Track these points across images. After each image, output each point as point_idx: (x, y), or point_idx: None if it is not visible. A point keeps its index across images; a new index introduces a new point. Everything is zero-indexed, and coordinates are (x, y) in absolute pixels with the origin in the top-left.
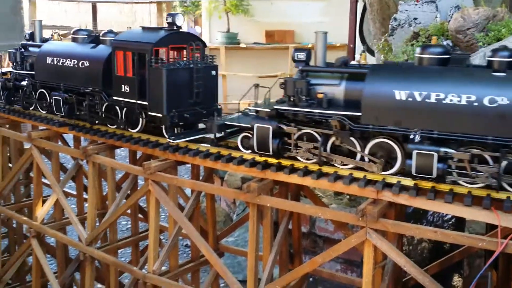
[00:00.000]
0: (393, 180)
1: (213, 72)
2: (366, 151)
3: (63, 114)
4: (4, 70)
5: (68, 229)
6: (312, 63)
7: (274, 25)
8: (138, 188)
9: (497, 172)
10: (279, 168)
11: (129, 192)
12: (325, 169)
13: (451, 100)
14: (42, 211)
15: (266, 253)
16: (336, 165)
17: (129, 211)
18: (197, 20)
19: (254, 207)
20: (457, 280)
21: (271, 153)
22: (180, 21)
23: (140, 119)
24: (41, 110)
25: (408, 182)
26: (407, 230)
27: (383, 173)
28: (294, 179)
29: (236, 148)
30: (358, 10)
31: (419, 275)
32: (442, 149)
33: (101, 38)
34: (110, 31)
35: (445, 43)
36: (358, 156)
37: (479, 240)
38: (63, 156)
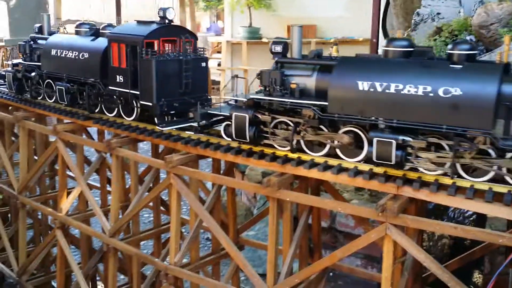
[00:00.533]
0: (414, 175)
1: (203, 64)
2: (346, 139)
3: (66, 103)
4: (15, 61)
5: (92, 221)
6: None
7: (296, 20)
8: (160, 181)
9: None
10: (299, 162)
11: (151, 185)
12: (345, 164)
13: (408, 91)
14: (67, 202)
15: (286, 247)
16: (309, 152)
17: (151, 203)
18: (219, 14)
19: (274, 202)
20: (477, 276)
21: (248, 140)
22: (171, 15)
23: (135, 108)
24: (48, 100)
25: (429, 177)
26: (427, 226)
27: (349, 160)
28: (314, 173)
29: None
30: (381, 5)
31: (439, 270)
32: (401, 137)
33: (100, 31)
34: (109, 25)
35: (468, 38)
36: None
37: (499, 237)
38: (87, 149)
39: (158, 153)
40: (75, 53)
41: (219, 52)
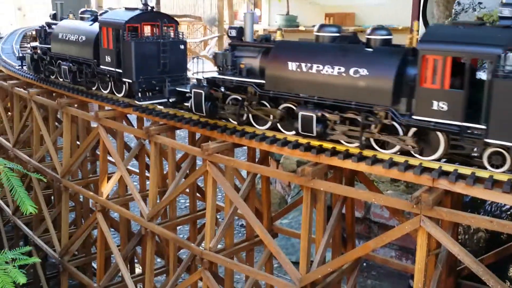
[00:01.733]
0: (450, 168)
1: (182, 46)
2: (278, 113)
3: (69, 80)
4: (32, 44)
5: (131, 205)
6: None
7: (334, 8)
8: (197, 168)
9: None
10: (334, 153)
11: (188, 171)
12: (380, 155)
13: (327, 71)
14: (107, 187)
15: (319, 236)
16: (255, 125)
17: (187, 189)
18: (256, 3)
19: (308, 191)
20: None
21: (204, 114)
22: (152, 2)
23: (123, 85)
24: (59, 78)
25: (465, 170)
26: (462, 219)
27: (287, 132)
28: (348, 164)
29: None
30: None
31: (473, 264)
32: (319, 112)
33: (98, 17)
34: (106, 11)
35: None
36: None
37: None
38: (127, 135)
39: (195, 140)
40: (76, 36)
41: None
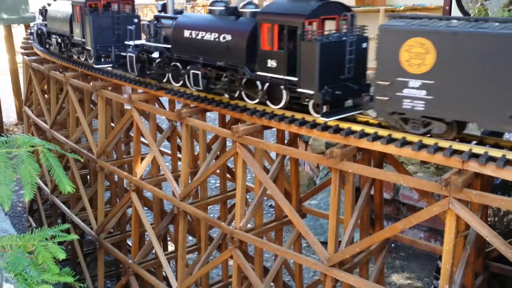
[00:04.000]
0: (480, 150)
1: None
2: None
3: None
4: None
5: (163, 185)
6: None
7: None
8: (227, 150)
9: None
10: (363, 135)
11: (218, 153)
12: (409, 137)
13: (207, 38)
14: (141, 167)
15: (347, 217)
16: (173, 82)
17: (218, 170)
18: None
19: (337, 173)
20: None
21: (135, 73)
22: None
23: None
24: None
25: (496, 153)
26: (491, 201)
27: (176, 84)
28: (378, 146)
29: None
30: None
31: (502, 246)
32: (203, 70)
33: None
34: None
35: None
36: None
37: None
38: (159, 117)
39: (225, 122)
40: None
41: None
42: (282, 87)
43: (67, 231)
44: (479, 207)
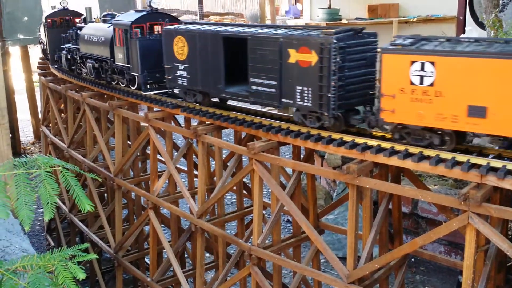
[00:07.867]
0: (499, 164)
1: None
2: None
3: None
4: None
5: (181, 202)
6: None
7: None
8: (243, 166)
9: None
10: (379, 150)
11: (234, 170)
12: (426, 152)
13: (95, 39)
14: (158, 185)
15: (365, 232)
16: (83, 72)
17: (234, 187)
18: None
19: (354, 188)
20: None
21: (67, 68)
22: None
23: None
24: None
25: None
26: (511, 216)
27: (87, 75)
28: (394, 161)
29: None
30: None
31: None
32: (91, 63)
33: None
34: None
35: None
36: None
37: None
38: (175, 135)
39: (240, 139)
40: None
41: None
42: (125, 72)
43: (86, 250)
44: (499, 221)
